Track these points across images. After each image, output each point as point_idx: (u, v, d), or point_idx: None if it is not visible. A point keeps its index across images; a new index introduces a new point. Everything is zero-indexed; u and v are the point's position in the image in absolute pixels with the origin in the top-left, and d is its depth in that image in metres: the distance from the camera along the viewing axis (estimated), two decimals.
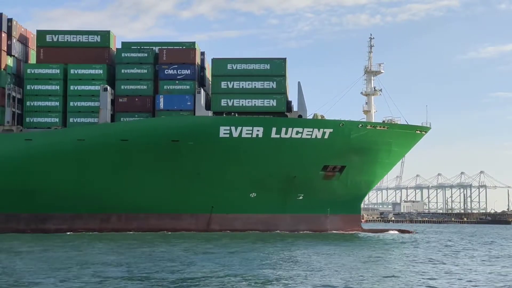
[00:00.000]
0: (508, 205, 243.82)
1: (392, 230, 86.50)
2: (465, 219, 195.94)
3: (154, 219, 71.83)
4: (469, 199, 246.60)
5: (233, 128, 69.30)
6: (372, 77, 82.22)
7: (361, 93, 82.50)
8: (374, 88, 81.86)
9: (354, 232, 76.41)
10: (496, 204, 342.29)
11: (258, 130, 69.72)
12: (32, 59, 77.62)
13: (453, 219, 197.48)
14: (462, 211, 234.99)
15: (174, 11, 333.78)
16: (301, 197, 74.37)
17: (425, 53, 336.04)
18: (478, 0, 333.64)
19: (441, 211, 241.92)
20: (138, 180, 70.16)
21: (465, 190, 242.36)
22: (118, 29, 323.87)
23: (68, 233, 68.86)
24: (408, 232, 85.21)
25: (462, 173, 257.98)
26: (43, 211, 70.37)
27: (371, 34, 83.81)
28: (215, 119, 70.17)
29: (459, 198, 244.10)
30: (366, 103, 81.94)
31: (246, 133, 69.57)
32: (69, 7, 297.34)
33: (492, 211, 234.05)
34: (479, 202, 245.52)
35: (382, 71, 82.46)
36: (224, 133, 69.23)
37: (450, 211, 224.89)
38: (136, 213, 71.58)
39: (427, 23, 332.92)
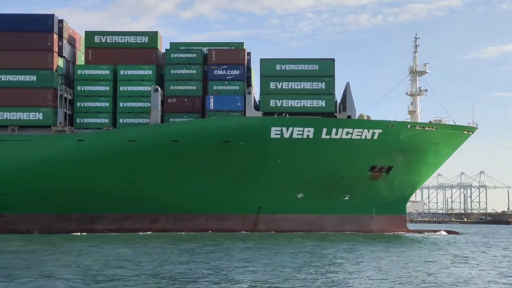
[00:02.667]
0: (508, 205, 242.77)
1: (440, 230, 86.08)
2: (465, 219, 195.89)
3: (202, 220, 72.14)
4: (469, 199, 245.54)
5: (284, 129, 69.43)
6: (417, 77, 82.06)
7: (406, 93, 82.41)
8: (419, 88, 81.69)
9: (401, 232, 76.24)
10: (496, 204, 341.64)
11: (308, 131, 69.82)
12: (79, 60, 78.10)
13: (453, 219, 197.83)
14: (462, 211, 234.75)
15: (175, 11, 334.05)
16: (347, 198, 74.43)
17: (427, 53, 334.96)
18: (479, 0, 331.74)
19: (441, 211, 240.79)
20: (188, 181, 70.41)
21: (465, 190, 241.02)
22: (119, 29, 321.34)
23: (116, 233, 69.42)
24: (455, 232, 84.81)
25: (462, 173, 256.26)
26: (93, 211, 70.83)
27: (416, 34, 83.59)
28: (267, 120, 70.29)
29: (459, 198, 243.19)
30: (411, 103, 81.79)
31: (297, 134, 69.69)
32: (70, 6, 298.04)
33: (493, 211, 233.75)
34: (479, 202, 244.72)
35: (427, 71, 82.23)
36: (275, 134, 69.36)
37: (450, 211, 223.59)
38: (185, 214, 71.80)
39: (429, 23, 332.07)
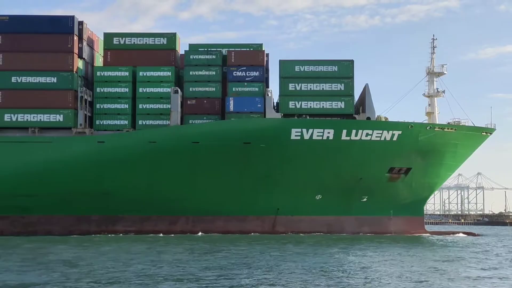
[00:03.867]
0: (506, 206, 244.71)
1: (458, 232, 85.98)
2: (462, 220, 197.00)
3: (221, 222, 72.18)
4: (466, 201, 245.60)
5: (304, 130, 69.37)
6: (434, 79, 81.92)
7: (423, 94, 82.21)
8: (437, 90, 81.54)
9: (419, 234, 76.18)
10: (494, 205, 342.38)
11: (328, 132, 69.77)
12: (97, 61, 78.23)
13: (450, 220, 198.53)
14: (460, 212, 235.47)
15: (173, 12, 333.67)
16: (365, 199, 74.41)
17: (426, 54, 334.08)
18: (477, 1, 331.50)
19: (438, 213, 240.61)
20: (207, 182, 70.37)
21: (462, 192, 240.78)
22: (117, 30, 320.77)
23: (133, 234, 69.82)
24: (473, 234, 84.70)
25: (459, 174, 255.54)
26: (113, 213, 70.90)
27: (433, 35, 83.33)
28: (287, 121, 70.29)
29: (456, 200, 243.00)
30: (429, 104, 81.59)
31: (317, 135, 69.62)
32: (68, 8, 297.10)
33: (490, 213, 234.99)
34: (476, 203, 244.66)
35: (445, 72, 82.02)
36: (296, 135, 69.34)
37: (447, 213, 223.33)
38: (203, 216, 71.84)
39: (427, 24, 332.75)
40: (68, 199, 69.60)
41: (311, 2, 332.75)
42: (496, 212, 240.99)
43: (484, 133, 77.95)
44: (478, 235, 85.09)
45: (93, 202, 69.83)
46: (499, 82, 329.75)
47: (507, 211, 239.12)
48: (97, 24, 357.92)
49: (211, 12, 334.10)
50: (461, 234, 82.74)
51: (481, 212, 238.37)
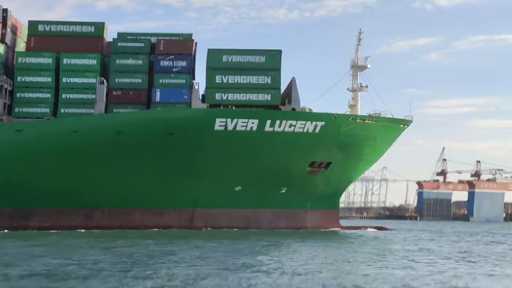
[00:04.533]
0: (406, 198, 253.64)
1: (370, 227, 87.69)
2: (365, 214, 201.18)
3: (137, 215, 70.18)
4: (370, 192, 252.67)
5: (228, 120, 69.07)
6: (358, 72, 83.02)
7: (347, 89, 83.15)
8: (361, 84, 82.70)
9: (334, 229, 76.90)
10: (395, 198, 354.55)
11: (253, 123, 69.57)
12: (19, 48, 75.45)
13: (354, 214, 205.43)
14: (363, 204, 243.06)
15: (90, 1, 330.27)
16: (283, 191, 74.39)
17: (344, 47, 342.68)
18: None
19: (342, 205, 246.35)
20: (128, 174, 68.57)
21: (367, 184, 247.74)
22: (30, 19, 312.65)
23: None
24: (385, 229, 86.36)
25: None
26: (28, 206, 67.87)
27: (360, 29, 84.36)
28: (211, 111, 69.85)
29: (360, 191, 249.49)
30: (352, 98, 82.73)
31: (241, 126, 69.32)
32: None
33: (391, 205, 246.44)
34: (379, 195, 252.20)
35: (368, 66, 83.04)
36: (220, 125, 68.95)
37: (351, 205, 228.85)
38: (120, 209, 69.63)
39: (344, 19, 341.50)
40: None
41: None
42: (397, 204, 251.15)
43: (402, 125, 79.46)
44: (390, 229, 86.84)
45: (5, 194, 66.74)
46: (410, 76, 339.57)
47: (407, 203, 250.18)
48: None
49: (129, 2, 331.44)
50: (373, 229, 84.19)
51: (383, 205, 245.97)
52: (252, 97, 72.00)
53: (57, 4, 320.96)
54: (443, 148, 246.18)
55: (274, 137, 70.37)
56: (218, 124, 68.75)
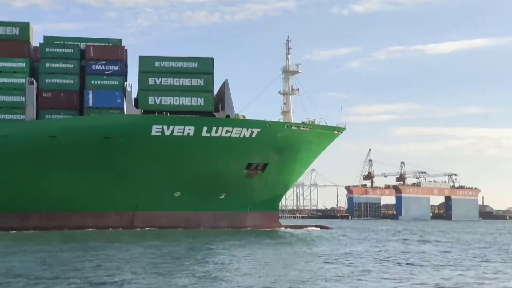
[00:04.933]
0: (337, 202, 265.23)
1: (311, 226, 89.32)
2: (297, 214, 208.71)
3: (78, 218, 69.76)
4: (301, 197, 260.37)
5: (165, 127, 69.03)
6: (290, 77, 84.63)
7: (279, 92, 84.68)
8: (292, 88, 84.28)
9: (274, 228, 78.38)
10: (326, 201, 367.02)
11: (189, 129, 69.86)
12: None
13: (286, 214, 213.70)
14: (295, 207, 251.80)
15: None
16: (222, 197, 75.37)
17: (262, 53, 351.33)
18: (312, 2, 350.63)
19: None
20: (63, 178, 68.00)
21: (297, 189, 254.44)
22: None
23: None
24: (326, 228, 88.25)
25: None
26: None
27: (288, 36, 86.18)
28: (148, 118, 69.60)
29: (292, 196, 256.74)
30: (284, 103, 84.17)
31: (178, 132, 69.53)
32: None
33: (323, 208, 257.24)
34: (310, 199, 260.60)
35: (299, 71, 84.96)
36: (156, 132, 68.80)
37: (284, 208, 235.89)
38: (59, 212, 69.12)
39: (264, 22, 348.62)
40: None
41: None
42: (329, 207, 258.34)
43: (336, 132, 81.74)
44: (330, 228, 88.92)
45: None
46: (331, 81, 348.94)
47: (338, 206, 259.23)
48: None
49: (46, 1, 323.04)
50: (315, 228, 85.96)
51: (315, 207, 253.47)
52: (186, 101, 72.20)
53: None
54: (369, 150, 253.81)
55: (211, 142, 70.81)
56: (155, 130, 68.53)
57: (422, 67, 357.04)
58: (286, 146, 76.08)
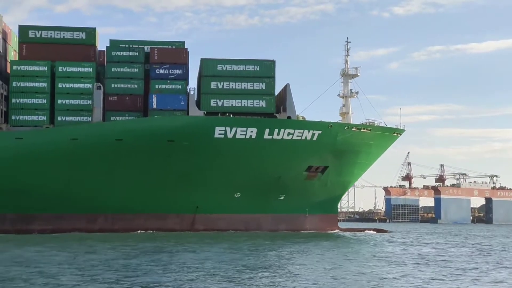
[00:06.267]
0: (375, 203, 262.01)
1: (369, 229, 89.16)
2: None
3: (141, 220, 71.21)
4: None
5: (228, 129, 69.83)
6: (349, 80, 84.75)
7: (338, 95, 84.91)
8: (351, 91, 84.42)
9: (333, 231, 78.39)
10: (364, 202, 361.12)
11: (251, 131, 70.54)
12: (10, 54, 75.22)
13: None
14: None
15: (48, 5, 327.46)
16: (282, 198, 75.73)
17: (302, 56, 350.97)
18: (351, 6, 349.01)
19: None
20: (128, 180, 69.43)
21: None
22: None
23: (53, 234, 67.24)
24: (384, 231, 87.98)
25: None
26: (29, 211, 68.38)
27: (347, 38, 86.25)
28: (211, 119, 70.42)
29: None
30: (344, 105, 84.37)
31: (240, 134, 70.25)
32: None
33: (360, 210, 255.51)
34: (348, 201, 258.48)
35: (358, 74, 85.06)
36: (219, 134, 69.66)
37: None
38: (123, 214, 70.75)
39: (304, 25, 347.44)
40: None
41: (191, 0, 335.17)
42: (366, 209, 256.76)
43: (395, 134, 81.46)
44: (389, 231, 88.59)
45: (8, 200, 67.17)
46: (369, 84, 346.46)
47: (376, 208, 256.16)
48: None
49: (88, 6, 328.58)
50: (372, 232, 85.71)
51: (352, 209, 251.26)
52: (247, 103, 72.91)
53: (14, 7, 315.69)
54: (408, 153, 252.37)
55: (273, 145, 71.30)
56: (218, 132, 69.39)
57: (463, 67, 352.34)
58: (346, 149, 76.14)
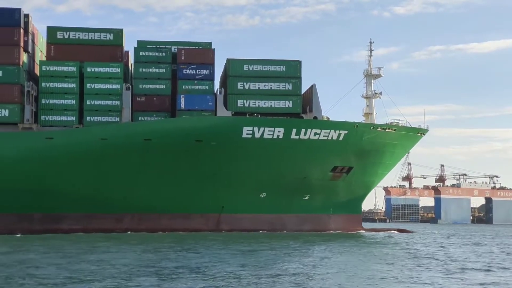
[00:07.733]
0: (375, 204, 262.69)
1: (392, 230, 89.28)
2: None
3: (166, 219, 71.55)
4: None
5: (255, 129, 70.14)
6: (372, 81, 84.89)
7: (362, 96, 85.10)
8: (374, 91, 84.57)
9: (357, 231, 78.54)
10: (364, 203, 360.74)
11: (279, 131, 70.83)
12: (37, 55, 75.82)
13: None
14: None
15: (49, 5, 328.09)
16: (307, 198, 75.98)
17: (304, 55, 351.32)
18: (352, 5, 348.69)
19: None
20: (155, 180, 69.82)
21: None
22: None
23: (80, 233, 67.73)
24: (407, 231, 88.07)
25: None
26: (57, 211, 68.84)
27: (371, 39, 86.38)
28: (239, 119, 70.79)
29: None
30: (367, 105, 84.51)
31: (268, 134, 70.56)
32: None
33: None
34: None
35: (382, 74, 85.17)
36: (247, 134, 70.00)
37: None
38: (149, 213, 71.16)
39: (305, 25, 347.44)
40: (12, 197, 67.06)
41: (191, 0, 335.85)
42: (366, 209, 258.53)
43: (419, 134, 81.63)
44: (411, 231, 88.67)
45: (36, 200, 67.51)
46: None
47: (376, 208, 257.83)
48: None
49: (88, 6, 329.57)
50: (395, 232, 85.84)
51: None
52: (274, 104, 73.28)
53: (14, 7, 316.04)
54: (408, 153, 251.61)
55: (299, 145, 71.61)
56: (246, 132, 69.68)
57: (463, 67, 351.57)
58: (372, 149, 76.36)
